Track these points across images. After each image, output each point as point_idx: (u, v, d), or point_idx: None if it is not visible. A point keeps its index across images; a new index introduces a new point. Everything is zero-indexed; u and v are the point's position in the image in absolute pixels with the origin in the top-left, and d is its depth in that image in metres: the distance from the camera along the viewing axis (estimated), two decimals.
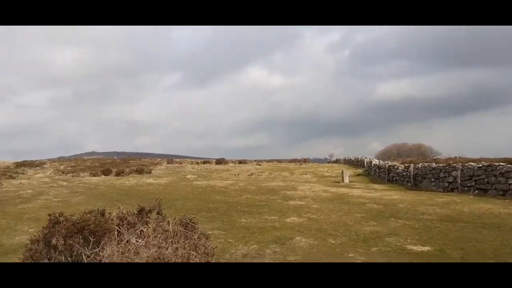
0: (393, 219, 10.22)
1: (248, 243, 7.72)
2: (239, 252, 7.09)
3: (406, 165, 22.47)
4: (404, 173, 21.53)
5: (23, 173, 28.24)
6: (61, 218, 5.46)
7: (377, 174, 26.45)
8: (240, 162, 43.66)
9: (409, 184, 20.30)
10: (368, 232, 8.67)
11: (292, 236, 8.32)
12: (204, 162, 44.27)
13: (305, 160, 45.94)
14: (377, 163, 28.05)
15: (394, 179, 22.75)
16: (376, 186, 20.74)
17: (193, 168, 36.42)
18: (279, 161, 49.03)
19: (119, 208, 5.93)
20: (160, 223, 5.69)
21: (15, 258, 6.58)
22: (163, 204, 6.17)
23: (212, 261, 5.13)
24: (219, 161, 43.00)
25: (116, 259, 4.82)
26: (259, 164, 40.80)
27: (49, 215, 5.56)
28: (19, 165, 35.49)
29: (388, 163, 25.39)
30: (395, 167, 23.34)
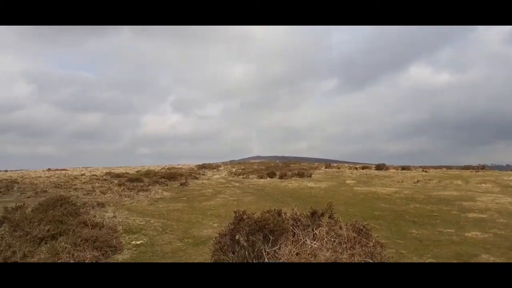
0: None
1: (423, 256, 7.16)
2: None
3: None
4: None
5: (204, 174, 32.68)
6: (245, 216, 6.09)
7: None
8: (403, 168, 40.77)
9: None
10: None
11: (475, 252, 7.36)
12: (362, 168, 42.99)
13: (482, 167, 39.85)
14: None
15: None
16: None
17: (351, 173, 35.72)
18: (449, 167, 43.86)
19: (293, 209, 6.26)
20: (333, 227, 5.78)
21: (206, 248, 7.64)
22: (327, 208, 6.23)
23: None
24: (379, 167, 41.05)
25: (293, 259, 5.12)
26: (425, 171, 37.29)
27: (235, 212, 6.26)
28: (200, 167, 41.35)
29: None
30: None
